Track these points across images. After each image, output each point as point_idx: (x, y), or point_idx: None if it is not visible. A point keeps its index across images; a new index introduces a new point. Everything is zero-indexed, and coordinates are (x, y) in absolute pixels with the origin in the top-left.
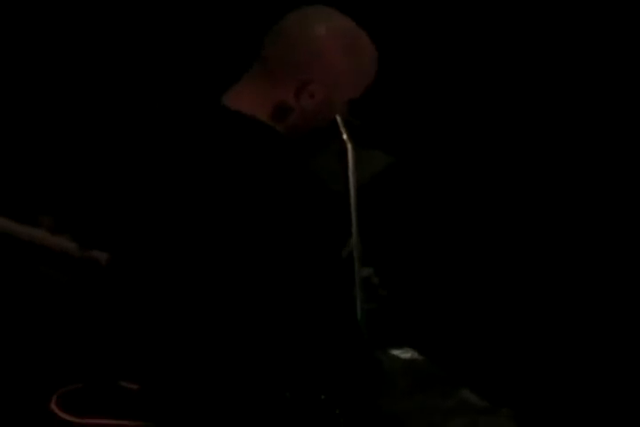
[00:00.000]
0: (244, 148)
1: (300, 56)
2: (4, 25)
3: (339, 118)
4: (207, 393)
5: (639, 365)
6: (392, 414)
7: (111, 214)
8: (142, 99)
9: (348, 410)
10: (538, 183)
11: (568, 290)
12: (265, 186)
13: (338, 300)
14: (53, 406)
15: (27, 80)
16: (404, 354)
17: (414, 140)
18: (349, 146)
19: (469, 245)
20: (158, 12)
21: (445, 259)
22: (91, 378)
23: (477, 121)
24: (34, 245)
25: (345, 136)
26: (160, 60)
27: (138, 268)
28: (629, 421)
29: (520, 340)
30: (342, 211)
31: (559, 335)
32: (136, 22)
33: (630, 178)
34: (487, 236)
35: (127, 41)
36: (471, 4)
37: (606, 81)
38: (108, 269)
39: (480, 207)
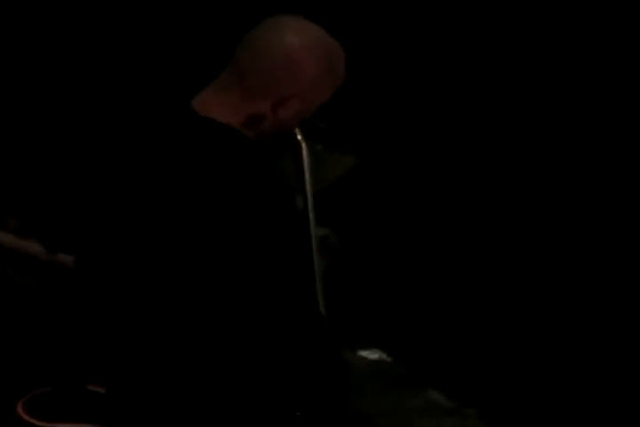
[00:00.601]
0: (213, 152)
1: (278, 73)
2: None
3: None
4: (173, 398)
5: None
6: (361, 414)
7: (78, 217)
8: (111, 102)
9: (311, 412)
10: (535, 183)
11: (541, 283)
12: (231, 188)
13: (299, 297)
14: (20, 411)
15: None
16: (372, 355)
17: (383, 140)
18: (303, 145)
19: (436, 241)
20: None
21: (413, 257)
22: (58, 382)
23: (470, 120)
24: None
25: (299, 136)
26: (131, 62)
27: (104, 270)
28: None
29: (486, 339)
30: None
31: (527, 331)
32: (104, 28)
33: (630, 178)
34: (454, 231)
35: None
36: (469, 4)
37: (606, 81)
38: (74, 271)
39: (465, 204)
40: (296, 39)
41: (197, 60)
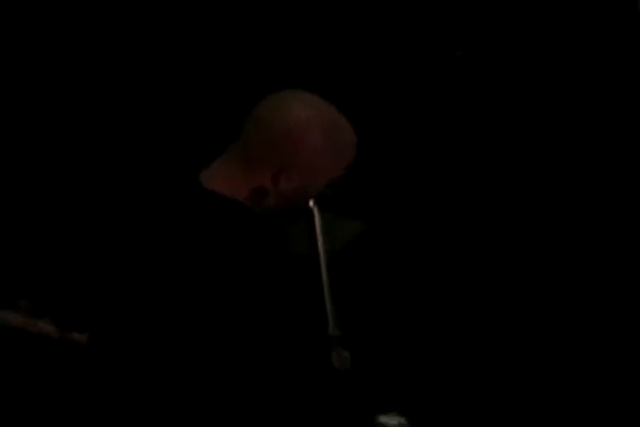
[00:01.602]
0: (219, 229)
1: (279, 142)
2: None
3: None
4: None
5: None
6: None
7: (89, 296)
8: (115, 178)
9: None
10: (535, 184)
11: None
12: (238, 265)
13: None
14: None
15: None
16: (392, 421)
17: (388, 203)
18: (315, 210)
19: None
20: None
21: (424, 319)
22: None
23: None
24: (12, 329)
25: (310, 203)
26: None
27: (120, 346)
28: None
29: (509, 406)
30: (315, 281)
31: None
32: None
33: (630, 178)
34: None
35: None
36: (470, 4)
37: (606, 81)
38: (89, 349)
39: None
40: (301, 112)
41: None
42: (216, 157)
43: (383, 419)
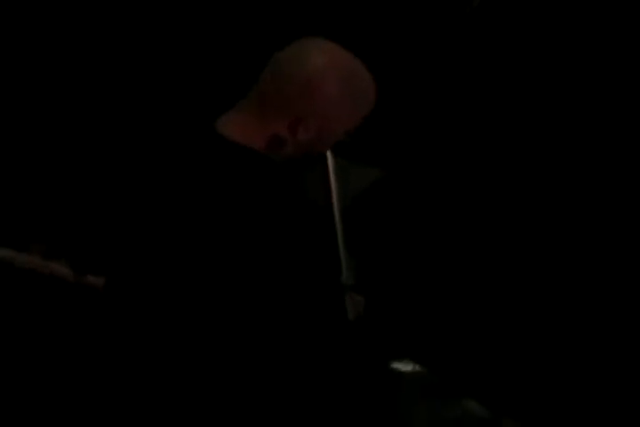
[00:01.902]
0: (236, 177)
1: (296, 90)
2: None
3: None
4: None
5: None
6: (398, 425)
7: (107, 240)
8: (135, 126)
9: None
10: (536, 184)
11: (568, 293)
12: (254, 213)
13: (326, 314)
14: None
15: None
16: (406, 367)
17: (405, 152)
18: (330, 158)
19: (463, 250)
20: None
21: (438, 265)
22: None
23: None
24: (28, 271)
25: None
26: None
27: (136, 291)
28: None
29: (520, 348)
30: (329, 228)
31: (558, 340)
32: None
33: (630, 178)
34: (482, 241)
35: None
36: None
37: (606, 81)
38: (104, 292)
39: (476, 219)
40: (318, 60)
41: (231, 80)
42: (233, 105)
43: (397, 365)
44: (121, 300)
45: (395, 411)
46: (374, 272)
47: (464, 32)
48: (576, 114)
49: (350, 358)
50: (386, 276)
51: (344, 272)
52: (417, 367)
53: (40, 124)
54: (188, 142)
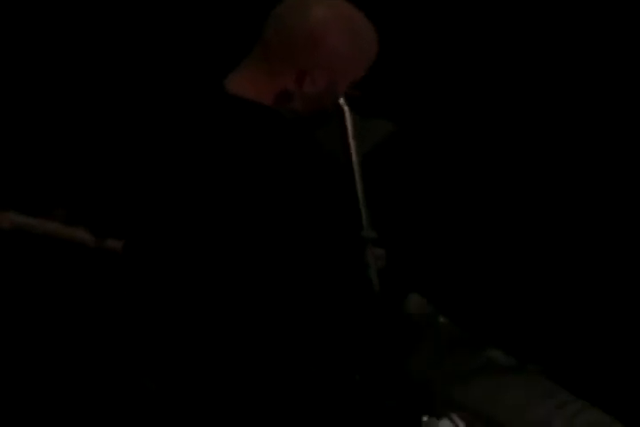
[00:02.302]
0: (250, 133)
1: (300, 43)
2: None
3: None
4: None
5: None
6: (419, 380)
7: (124, 203)
8: (145, 88)
9: (370, 376)
10: (538, 181)
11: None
12: (274, 168)
13: (348, 268)
14: None
15: (30, 74)
16: (430, 319)
17: (416, 108)
18: (346, 108)
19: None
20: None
21: (456, 219)
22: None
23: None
24: (49, 237)
25: (341, 100)
26: (159, 44)
27: (154, 255)
28: None
29: (541, 295)
30: (348, 183)
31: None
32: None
33: (630, 178)
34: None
35: (124, 26)
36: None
37: (606, 81)
38: (123, 258)
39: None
40: (320, 11)
41: (232, 39)
42: (238, 63)
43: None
44: (140, 263)
45: (419, 362)
46: (394, 226)
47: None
48: (574, 113)
49: (373, 311)
50: (406, 228)
51: (365, 226)
52: (440, 319)
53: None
54: (200, 103)
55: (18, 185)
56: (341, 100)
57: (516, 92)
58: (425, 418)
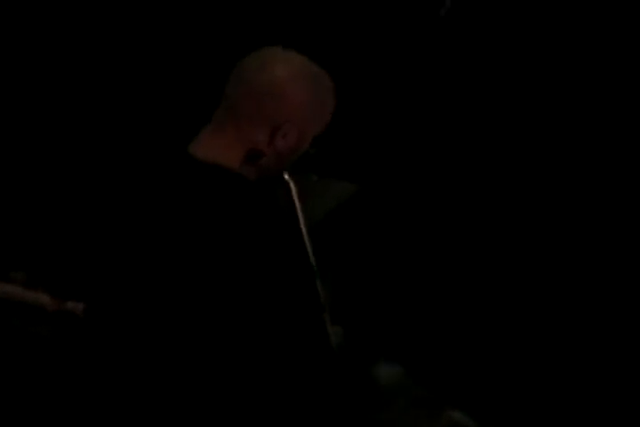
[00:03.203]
0: (213, 199)
1: (266, 99)
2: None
3: None
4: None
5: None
6: None
7: (85, 265)
8: (108, 151)
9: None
10: (535, 184)
11: (552, 306)
12: (234, 234)
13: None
14: None
15: None
16: (391, 377)
17: (375, 165)
18: (292, 184)
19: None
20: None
21: (428, 273)
22: None
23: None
24: (8, 301)
25: (286, 176)
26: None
27: (118, 315)
28: None
29: (505, 358)
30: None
31: (541, 351)
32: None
33: (630, 178)
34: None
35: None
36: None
37: (606, 81)
38: (86, 319)
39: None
40: (281, 67)
41: (188, 104)
42: (196, 127)
43: (382, 375)
44: (102, 324)
45: (379, 422)
46: (350, 290)
47: (438, 35)
48: (574, 114)
49: (334, 369)
50: (364, 292)
51: (320, 292)
52: (402, 378)
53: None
54: (163, 169)
55: None
56: (286, 176)
57: (512, 97)
58: None
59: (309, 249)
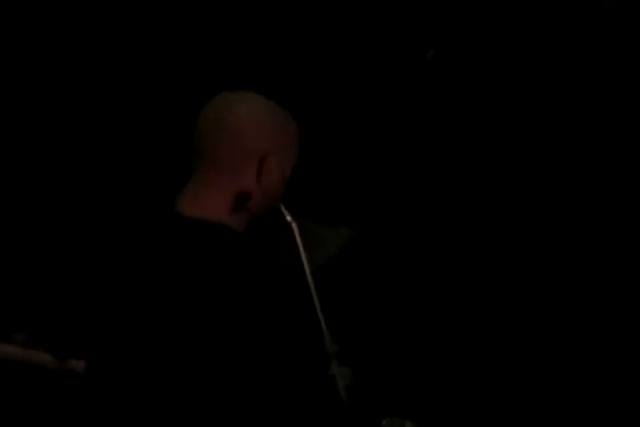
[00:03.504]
0: (205, 257)
1: (241, 140)
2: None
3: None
4: None
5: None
6: None
7: (84, 324)
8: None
9: None
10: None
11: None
12: (230, 290)
13: (312, 385)
14: None
15: None
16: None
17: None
18: (294, 225)
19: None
20: None
21: (421, 323)
22: None
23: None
24: (9, 362)
25: (289, 218)
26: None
27: (119, 374)
28: None
29: (511, 411)
30: (305, 297)
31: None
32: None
33: (630, 178)
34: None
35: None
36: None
37: (606, 81)
38: (87, 377)
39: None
40: (242, 103)
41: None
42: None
43: (386, 423)
44: (104, 383)
45: None
46: (358, 337)
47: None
48: (574, 114)
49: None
50: (370, 340)
51: (327, 340)
52: (409, 425)
53: None
54: (153, 229)
55: None
56: (288, 218)
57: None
58: None
59: (314, 293)
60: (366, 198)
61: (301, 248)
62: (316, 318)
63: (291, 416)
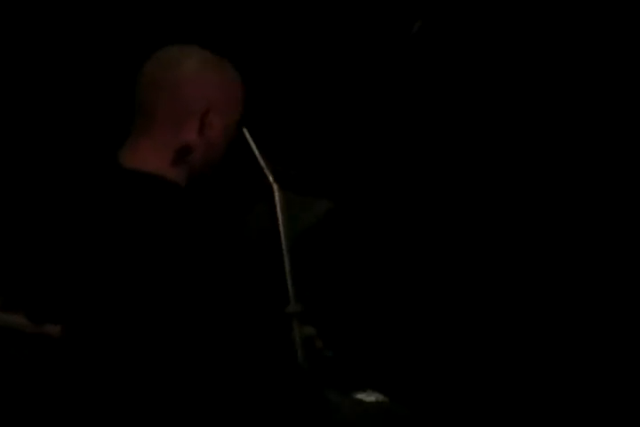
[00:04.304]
0: (146, 210)
1: (182, 95)
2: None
3: (263, 163)
4: None
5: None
6: None
7: (60, 289)
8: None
9: None
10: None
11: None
12: (170, 243)
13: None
14: None
15: None
16: (368, 397)
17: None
18: (275, 187)
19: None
20: None
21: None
22: None
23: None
24: None
25: (271, 179)
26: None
27: (86, 334)
28: None
29: (488, 378)
30: (276, 259)
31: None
32: None
33: (630, 178)
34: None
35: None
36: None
37: (606, 81)
38: (61, 340)
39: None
40: (186, 59)
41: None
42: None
43: (360, 396)
44: (79, 348)
45: None
46: (322, 301)
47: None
48: (573, 114)
49: (305, 389)
50: (336, 305)
51: (292, 302)
52: (380, 397)
53: None
54: (93, 179)
55: None
56: (270, 179)
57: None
58: None
59: (286, 254)
60: (349, 174)
61: (279, 209)
62: (284, 278)
63: (239, 373)
